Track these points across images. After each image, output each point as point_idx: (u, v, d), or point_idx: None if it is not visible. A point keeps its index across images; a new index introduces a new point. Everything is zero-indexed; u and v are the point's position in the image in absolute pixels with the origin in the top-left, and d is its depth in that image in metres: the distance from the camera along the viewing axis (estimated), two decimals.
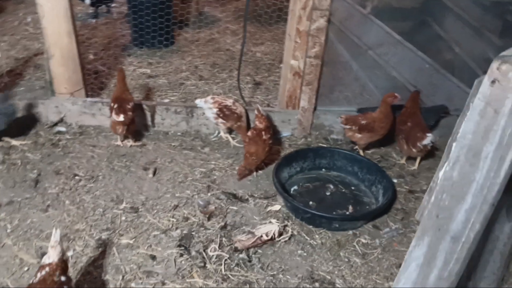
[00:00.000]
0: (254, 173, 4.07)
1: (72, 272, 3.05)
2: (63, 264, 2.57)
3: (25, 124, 4.54)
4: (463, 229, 1.78)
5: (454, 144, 1.79)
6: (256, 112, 4.07)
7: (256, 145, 3.95)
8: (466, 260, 1.86)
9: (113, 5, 7.31)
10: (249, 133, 4.04)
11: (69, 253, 3.21)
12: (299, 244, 3.43)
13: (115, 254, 3.25)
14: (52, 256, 2.54)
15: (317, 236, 3.51)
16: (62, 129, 4.55)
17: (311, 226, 3.58)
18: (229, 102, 4.39)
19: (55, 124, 4.58)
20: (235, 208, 3.72)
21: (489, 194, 1.71)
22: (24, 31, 6.47)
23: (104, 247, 3.30)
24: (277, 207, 3.76)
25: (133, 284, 3.04)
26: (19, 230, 3.40)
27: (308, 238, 3.48)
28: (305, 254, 3.35)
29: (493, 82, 1.57)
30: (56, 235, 2.56)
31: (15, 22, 6.73)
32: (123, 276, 3.09)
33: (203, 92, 5.05)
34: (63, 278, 2.51)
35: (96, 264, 3.16)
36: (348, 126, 4.28)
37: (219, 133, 4.55)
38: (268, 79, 5.47)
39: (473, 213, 1.75)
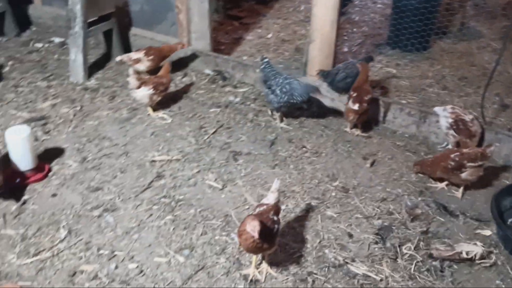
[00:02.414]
0: (460, 189, 3.93)
1: (281, 222, 3.53)
2: (276, 207, 3.05)
3: None
4: None
5: None
6: (485, 149, 3.86)
7: (440, 158, 3.89)
8: None
9: (378, 6, 7.65)
10: (452, 148, 3.98)
11: (283, 207, 3.71)
12: (499, 275, 3.23)
13: (318, 221, 3.62)
14: (270, 199, 3.05)
15: None
16: (305, 106, 5.11)
17: None
18: (467, 117, 4.26)
19: None
20: (442, 219, 3.68)
21: None
22: (295, 17, 7.33)
23: (311, 212, 3.70)
24: (487, 232, 3.58)
25: (326, 250, 3.36)
26: (249, 176, 4.07)
27: None
28: (503, 286, 3.15)
29: None
30: (276, 183, 3.07)
31: (290, 9, 7.66)
32: (320, 241, 3.44)
33: (442, 102, 4.99)
34: (275, 218, 2.99)
35: (301, 223, 3.59)
36: None
37: (447, 145, 4.48)
38: None
39: None
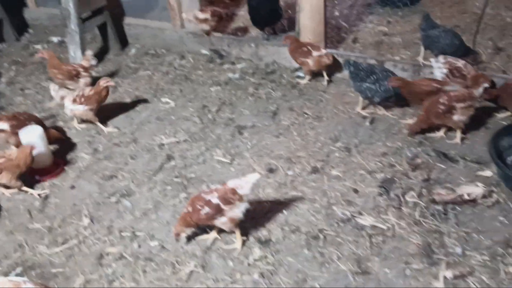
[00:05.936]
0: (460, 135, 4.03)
1: (289, 188, 3.72)
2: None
3: None
4: None
5: None
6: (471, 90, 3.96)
7: (430, 106, 4.00)
8: None
9: None
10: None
11: (290, 173, 3.88)
12: (502, 212, 3.38)
13: (324, 181, 3.80)
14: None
15: None
16: (301, 74, 5.23)
17: None
18: (460, 63, 4.35)
19: (297, 70, 5.29)
20: (442, 166, 3.83)
21: None
22: None
23: (316, 173, 3.87)
24: (488, 173, 3.72)
25: (335, 207, 3.54)
26: (256, 148, 4.23)
27: None
28: (506, 222, 3.31)
29: None
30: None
31: None
32: (327, 200, 3.62)
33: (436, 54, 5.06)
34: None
35: (308, 185, 3.77)
36: None
37: None
38: None
39: None
